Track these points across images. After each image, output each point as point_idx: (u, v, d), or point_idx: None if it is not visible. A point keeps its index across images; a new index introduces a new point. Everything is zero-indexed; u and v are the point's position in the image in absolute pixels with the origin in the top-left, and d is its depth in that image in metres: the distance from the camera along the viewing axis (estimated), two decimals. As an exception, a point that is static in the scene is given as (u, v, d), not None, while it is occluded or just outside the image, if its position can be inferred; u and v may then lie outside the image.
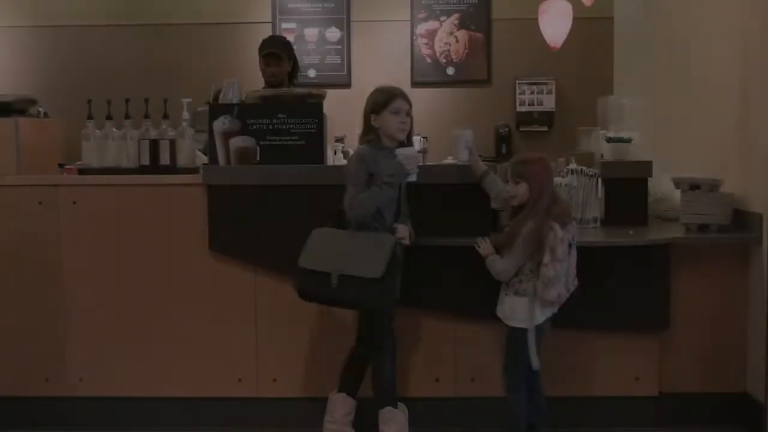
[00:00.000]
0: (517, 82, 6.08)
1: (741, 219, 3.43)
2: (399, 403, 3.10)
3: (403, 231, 3.00)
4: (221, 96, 3.64)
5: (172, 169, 3.45)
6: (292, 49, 4.35)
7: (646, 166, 3.65)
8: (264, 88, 4.19)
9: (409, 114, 3.04)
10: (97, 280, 3.41)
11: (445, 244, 3.23)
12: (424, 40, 6.19)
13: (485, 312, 3.06)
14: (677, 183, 3.54)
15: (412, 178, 2.97)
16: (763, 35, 3.28)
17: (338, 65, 6.20)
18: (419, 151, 5.45)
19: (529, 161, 2.97)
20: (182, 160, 3.51)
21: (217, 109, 3.41)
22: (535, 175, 2.91)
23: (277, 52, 4.21)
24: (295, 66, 4.35)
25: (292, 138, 3.37)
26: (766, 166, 3.25)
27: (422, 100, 6.02)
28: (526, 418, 2.98)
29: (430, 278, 3.29)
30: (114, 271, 3.41)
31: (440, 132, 5.66)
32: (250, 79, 5.73)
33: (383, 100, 3.02)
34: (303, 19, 6.21)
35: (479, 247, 3.02)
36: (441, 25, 6.19)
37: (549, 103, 6.08)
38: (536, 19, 5.22)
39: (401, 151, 2.96)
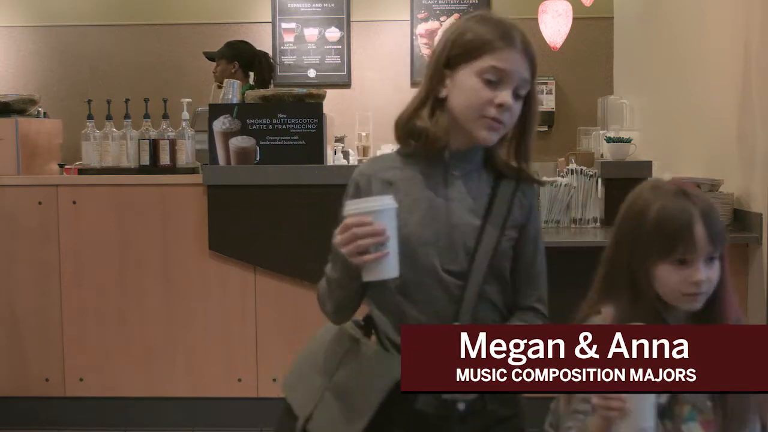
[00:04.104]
0: (517, 82, 6.08)
1: (741, 219, 3.43)
2: None
3: None
4: (221, 97, 3.65)
5: (172, 169, 3.46)
6: (233, 49, 4.46)
7: (646, 166, 3.65)
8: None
9: (520, 95, 1.50)
10: (97, 280, 3.41)
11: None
12: (424, 40, 6.19)
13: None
14: (677, 183, 3.54)
15: (386, 273, 1.41)
16: (763, 35, 3.28)
17: (338, 65, 6.20)
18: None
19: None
20: (182, 160, 3.52)
21: (217, 109, 3.41)
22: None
23: (208, 54, 4.46)
24: (251, 67, 4.40)
25: (292, 138, 3.37)
26: (766, 166, 3.25)
27: (422, 100, 6.02)
28: None
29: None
30: (114, 271, 3.41)
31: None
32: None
33: (473, 44, 1.49)
34: (303, 19, 6.21)
35: None
36: (441, 25, 6.18)
37: (549, 103, 6.07)
38: (536, 19, 5.22)
39: (355, 207, 1.42)
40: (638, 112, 5.07)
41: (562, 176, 3.57)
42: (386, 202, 1.41)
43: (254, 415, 3.42)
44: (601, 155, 4.46)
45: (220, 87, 4.37)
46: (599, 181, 3.60)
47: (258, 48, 4.69)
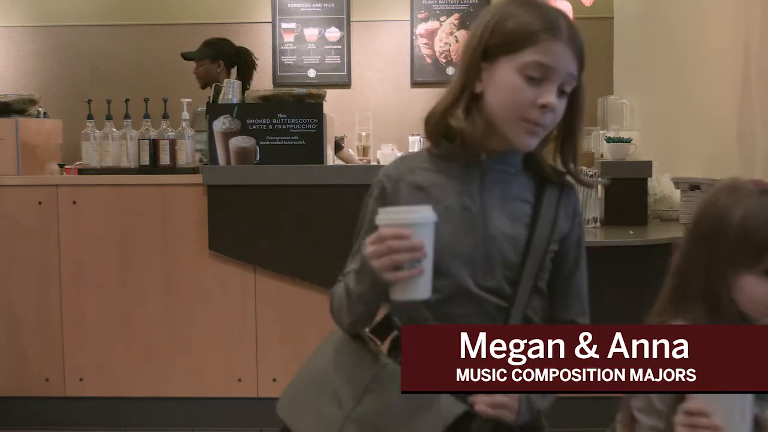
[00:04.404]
0: (517, 82, 6.08)
1: (741, 219, 3.43)
2: None
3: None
4: (221, 96, 3.65)
5: (172, 169, 3.46)
6: (216, 48, 4.42)
7: (646, 166, 3.65)
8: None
9: (565, 92, 1.34)
10: (97, 280, 3.42)
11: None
12: (424, 40, 6.19)
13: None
14: (677, 183, 3.54)
15: (418, 293, 1.26)
16: (763, 35, 3.28)
17: (338, 65, 6.20)
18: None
19: None
20: (182, 160, 3.52)
21: (217, 109, 3.41)
22: None
23: (187, 55, 4.40)
24: (233, 65, 4.39)
25: (292, 138, 3.37)
26: (766, 166, 3.25)
27: (422, 100, 6.02)
28: None
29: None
30: (114, 271, 3.41)
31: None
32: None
33: (515, 34, 1.32)
34: (303, 19, 6.21)
35: None
36: (441, 25, 6.18)
37: (549, 103, 6.08)
38: (536, 19, 5.21)
39: (391, 217, 1.26)
40: (638, 112, 5.07)
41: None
42: (426, 215, 1.26)
43: (254, 415, 3.42)
44: (601, 155, 4.46)
45: (203, 88, 4.40)
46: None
47: (256, 46, 4.70)
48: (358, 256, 1.36)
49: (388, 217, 1.26)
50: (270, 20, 6.19)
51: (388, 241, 1.23)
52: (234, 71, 4.42)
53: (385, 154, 5.48)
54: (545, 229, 1.38)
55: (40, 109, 3.98)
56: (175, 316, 3.41)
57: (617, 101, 5.22)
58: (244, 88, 4.22)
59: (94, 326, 3.43)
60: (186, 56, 4.46)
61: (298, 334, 3.38)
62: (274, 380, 3.40)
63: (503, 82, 1.32)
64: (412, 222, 1.24)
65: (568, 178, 1.45)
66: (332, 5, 6.21)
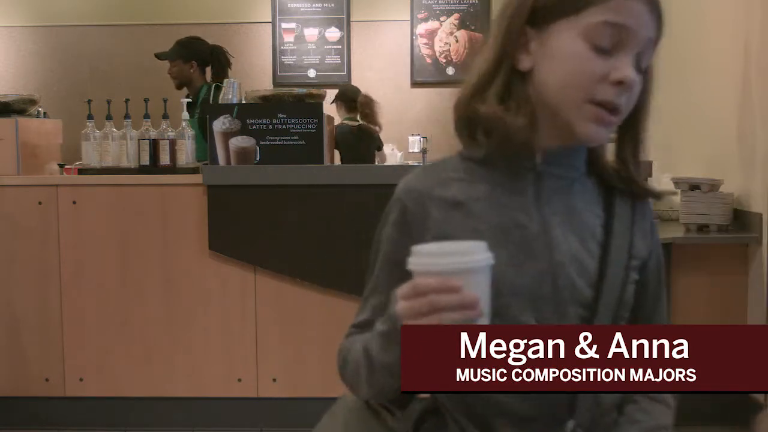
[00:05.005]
0: (517, 82, 6.07)
1: (741, 219, 3.43)
2: None
3: None
4: (221, 96, 3.66)
5: (172, 169, 3.46)
6: (188, 48, 4.39)
7: (646, 166, 3.65)
8: None
9: (641, 66, 1.05)
10: (97, 280, 3.42)
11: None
12: (424, 40, 6.19)
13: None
14: (677, 183, 3.55)
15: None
16: (763, 35, 3.28)
17: (338, 65, 6.20)
18: (421, 152, 5.49)
19: None
20: (182, 160, 3.52)
21: (217, 109, 3.42)
22: None
23: (160, 55, 4.36)
24: (207, 64, 4.38)
25: (292, 138, 3.37)
26: (766, 166, 3.25)
27: (422, 100, 6.03)
28: None
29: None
30: (114, 271, 3.41)
31: (441, 132, 5.67)
32: (250, 79, 5.76)
33: None
34: (303, 19, 6.21)
35: None
36: (441, 25, 6.19)
37: (549, 103, 6.08)
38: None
39: (424, 260, 0.91)
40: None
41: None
42: (482, 257, 0.90)
43: (254, 415, 3.43)
44: (601, 155, 4.46)
45: (179, 88, 4.39)
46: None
47: (256, 46, 4.69)
48: (373, 300, 1.08)
49: (426, 261, 0.90)
50: (270, 20, 6.20)
51: (431, 295, 0.90)
52: (208, 70, 4.40)
53: (385, 154, 5.49)
54: (621, 252, 1.06)
55: (40, 109, 3.99)
56: (175, 316, 3.41)
57: (617, 101, 5.21)
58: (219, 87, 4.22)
59: (94, 326, 3.43)
60: (159, 56, 4.43)
61: (298, 334, 3.38)
62: (274, 380, 3.40)
63: (563, 53, 0.99)
64: (463, 267, 0.89)
65: (634, 187, 1.12)
66: (332, 5, 6.22)
